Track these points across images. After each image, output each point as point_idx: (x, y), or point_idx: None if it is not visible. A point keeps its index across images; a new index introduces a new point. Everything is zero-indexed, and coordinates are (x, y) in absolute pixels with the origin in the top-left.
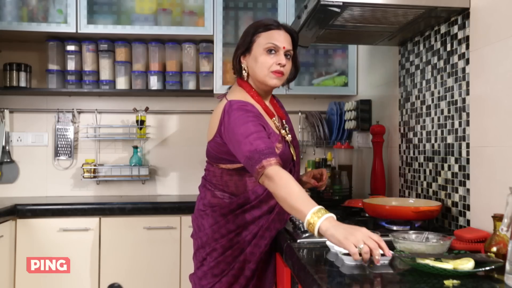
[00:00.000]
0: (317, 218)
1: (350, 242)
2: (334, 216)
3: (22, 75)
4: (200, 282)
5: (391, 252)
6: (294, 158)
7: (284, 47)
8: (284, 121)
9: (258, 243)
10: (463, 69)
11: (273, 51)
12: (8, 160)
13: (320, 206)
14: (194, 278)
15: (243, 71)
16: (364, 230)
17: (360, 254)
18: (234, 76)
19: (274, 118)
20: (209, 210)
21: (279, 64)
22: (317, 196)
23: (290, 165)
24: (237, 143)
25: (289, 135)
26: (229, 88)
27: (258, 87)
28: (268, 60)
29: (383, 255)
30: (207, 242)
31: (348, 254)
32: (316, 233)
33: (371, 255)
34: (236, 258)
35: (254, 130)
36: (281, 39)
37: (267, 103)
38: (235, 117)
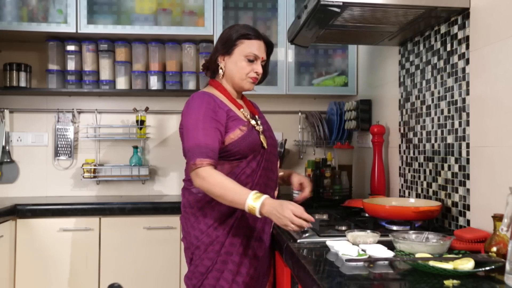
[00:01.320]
0: (255, 202)
1: (281, 224)
2: (266, 196)
3: (22, 75)
4: (190, 282)
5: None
6: (265, 145)
7: (262, 58)
8: (256, 116)
9: (237, 233)
10: (463, 69)
11: (252, 61)
12: (8, 160)
13: (253, 192)
14: (186, 280)
15: (220, 70)
16: (287, 211)
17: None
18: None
19: (242, 110)
20: (188, 208)
21: (256, 72)
22: (317, 196)
23: (261, 151)
24: (184, 132)
25: (261, 126)
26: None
27: (231, 86)
28: (247, 67)
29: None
30: (190, 242)
31: (348, 255)
32: (258, 214)
33: None
34: (218, 252)
35: (201, 124)
36: (261, 50)
37: (239, 100)
38: (189, 106)
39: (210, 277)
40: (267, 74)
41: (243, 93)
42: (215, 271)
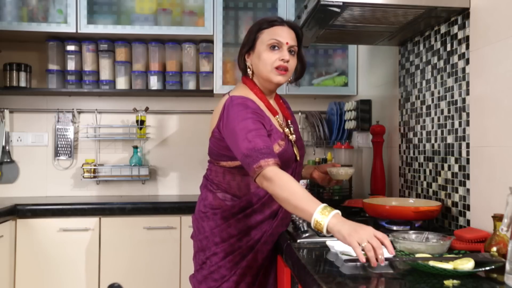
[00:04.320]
0: (324, 216)
1: (353, 239)
2: (339, 212)
3: (22, 75)
4: (199, 286)
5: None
6: (298, 158)
7: (287, 43)
8: (289, 121)
9: (261, 249)
10: (463, 69)
11: (276, 47)
12: (8, 160)
13: (325, 204)
14: (194, 281)
15: (248, 69)
16: (369, 229)
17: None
18: (234, 76)
19: (277, 116)
20: (210, 212)
21: (282, 59)
22: (317, 196)
23: (293, 165)
24: (235, 139)
25: (294, 135)
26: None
27: (262, 84)
28: (271, 56)
29: (386, 259)
30: (207, 246)
31: (349, 255)
32: (325, 231)
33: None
34: (238, 264)
35: (253, 127)
36: (284, 35)
37: (271, 101)
38: (234, 112)
39: (224, 287)
40: (305, 66)
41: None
42: (231, 282)
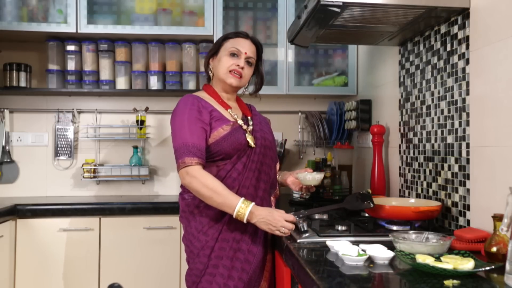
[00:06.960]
0: (243, 210)
1: (273, 231)
2: (252, 204)
3: (22, 75)
4: (186, 283)
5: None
6: (251, 145)
7: (245, 53)
8: (249, 117)
9: (226, 237)
10: (463, 69)
11: (235, 55)
12: (8, 160)
13: (242, 199)
14: (186, 277)
15: (209, 72)
16: (278, 220)
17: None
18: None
19: (229, 110)
20: (182, 213)
21: (237, 65)
22: (317, 196)
23: (247, 151)
24: (173, 134)
25: (250, 126)
26: None
27: (219, 85)
28: (229, 61)
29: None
30: (186, 244)
31: (349, 255)
32: (245, 220)
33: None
34: (209, 257)
35: (187, 124)
36: (245, 46)
37: (230, 102)
38: (176, 109)
39: (204, 281)
40: (263, 79)
41: (239, 95)
42: (207, 275)
